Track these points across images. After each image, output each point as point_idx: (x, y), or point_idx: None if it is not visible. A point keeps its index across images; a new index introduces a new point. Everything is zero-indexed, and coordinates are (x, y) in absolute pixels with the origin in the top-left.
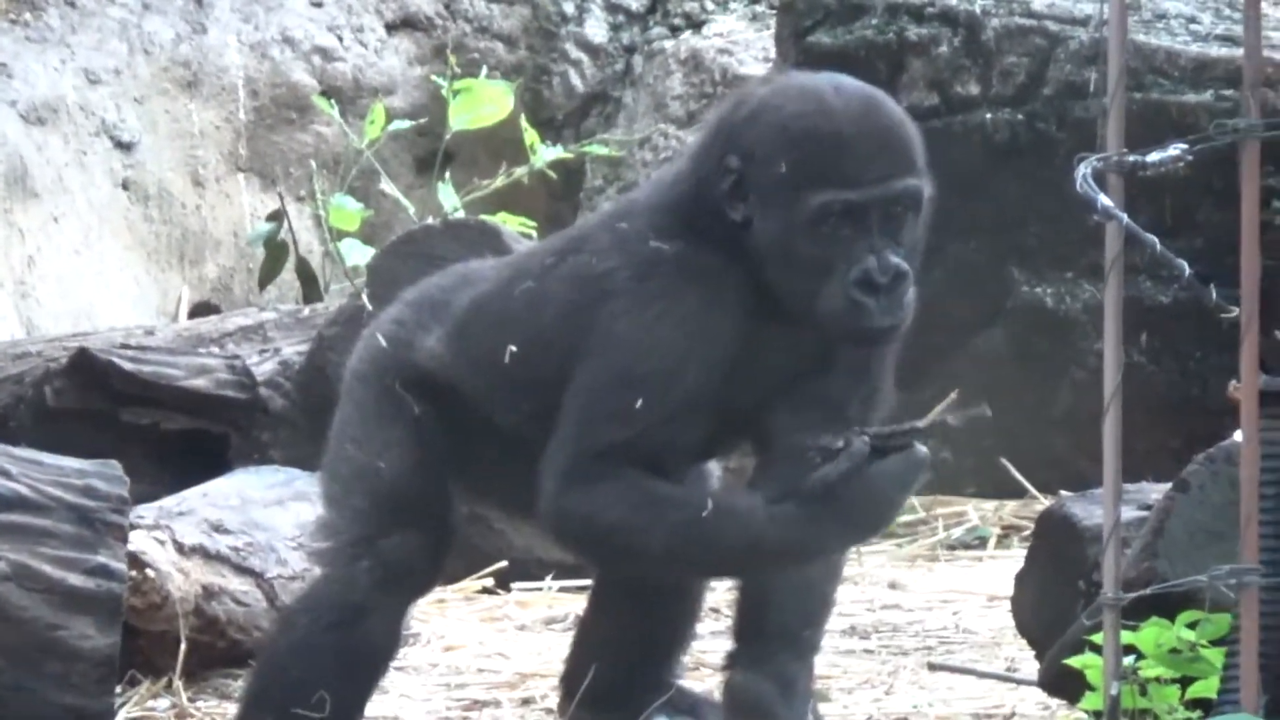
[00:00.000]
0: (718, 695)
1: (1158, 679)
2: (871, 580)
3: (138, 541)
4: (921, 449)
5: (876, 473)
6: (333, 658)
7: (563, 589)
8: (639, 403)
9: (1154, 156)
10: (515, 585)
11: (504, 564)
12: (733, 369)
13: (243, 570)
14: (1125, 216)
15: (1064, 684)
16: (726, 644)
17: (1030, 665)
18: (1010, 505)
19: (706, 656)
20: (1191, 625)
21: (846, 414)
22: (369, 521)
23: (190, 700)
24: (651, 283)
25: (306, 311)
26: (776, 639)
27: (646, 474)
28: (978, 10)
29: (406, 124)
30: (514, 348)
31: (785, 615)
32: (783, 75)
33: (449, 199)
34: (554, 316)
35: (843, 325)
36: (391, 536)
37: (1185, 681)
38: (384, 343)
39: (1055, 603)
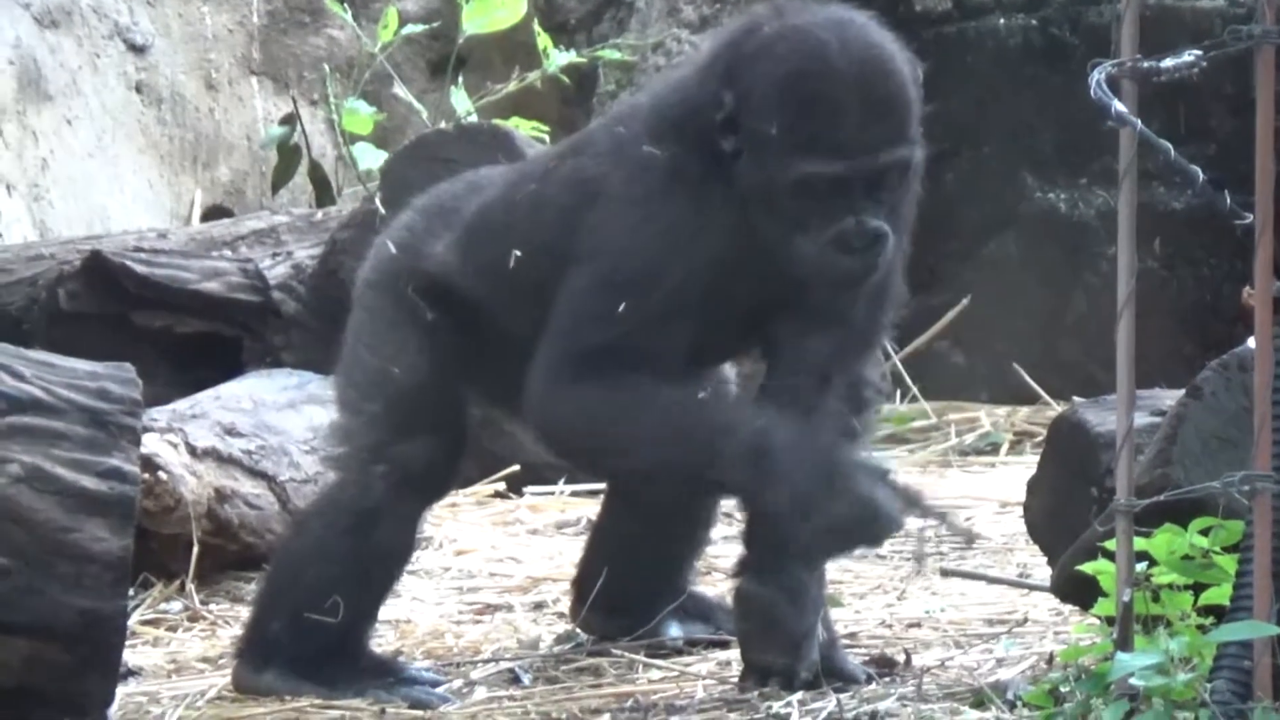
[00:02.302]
0: (730, 601)
1: (1170, 585)
2: None
3: (150, 444)
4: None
5: (869, 497)
6: (347, 562)
7: (575, 493)
8: (622, 305)
9: (1168, 62)
10: (527, 489)
11: (516, 468)
12: (726, 271)
13: (255, 473)
14: (1139, 122)
15: (1076, 590)
16: (738, 549)
17: (1042, 571)
18: (1023, 411)
19: (719, 561)
20: (1204, 532)
21: (850, 320)
22: (384, 426)
23: (202, 603)
24: (638, 186)
25: (319, 215)
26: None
27: (632, 373)
28: None
29: (419, 28)
30: (518, 252)
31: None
32: (797, 8)
33: (462, 103)
34: (552, 220)
35: (812, 275)
36: (406, 441)
37: (1198, 588)
38: (394, 249)
39: (1068, 509)
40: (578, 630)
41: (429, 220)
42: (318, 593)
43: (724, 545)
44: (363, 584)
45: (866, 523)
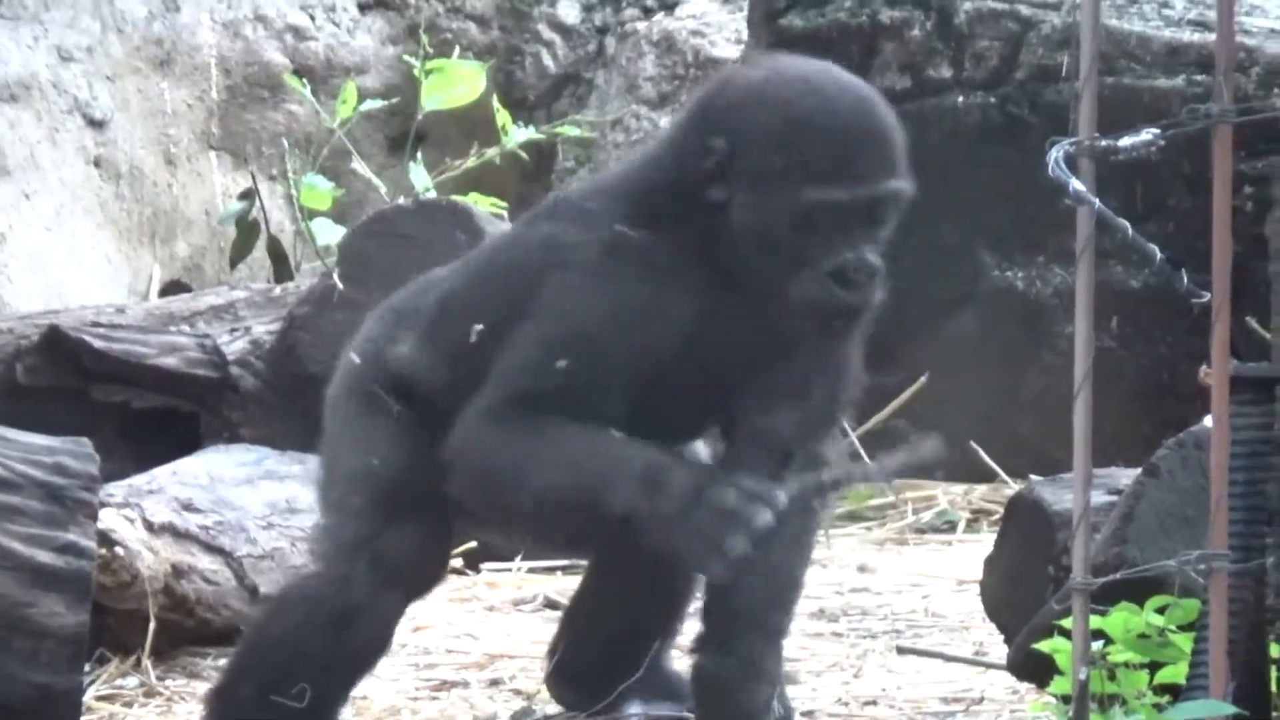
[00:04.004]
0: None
1: (1126, 664)
2: (840, 563)
3: (107, 519)
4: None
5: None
6: (321, 653)
7: (531, 570)
8: (561, 362)
9: (1126, 141)
10: (484, 566)
11: (473, 544)
12: (684, 349)
13: (212, 549)
14: (1097, 201)
15: (1033, 668)
16: (696, 625)
17: (999, 649)
18: (980, 489)
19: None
20: (1160, 610)
21: (811, 399)
22: (366, 519)
23: (159, 678)
24: (606, 262)
25: (278, 290)
26: (744, 622)
27: (552, 418)
28: None
29: (379, 103)
30: (479, 326)
31: (753, 598)
32: (773, 60)
33: (421, 179)
34: (515, 283)
35: (809, 308)
36: (389, 532)
37: (1154, 666)
38: (358, 359)
39: (1024, 587)
40: (534, 707)
41: (389, 326)
42: (287, 678)
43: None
44: (335, 675)
45: (747, 502)
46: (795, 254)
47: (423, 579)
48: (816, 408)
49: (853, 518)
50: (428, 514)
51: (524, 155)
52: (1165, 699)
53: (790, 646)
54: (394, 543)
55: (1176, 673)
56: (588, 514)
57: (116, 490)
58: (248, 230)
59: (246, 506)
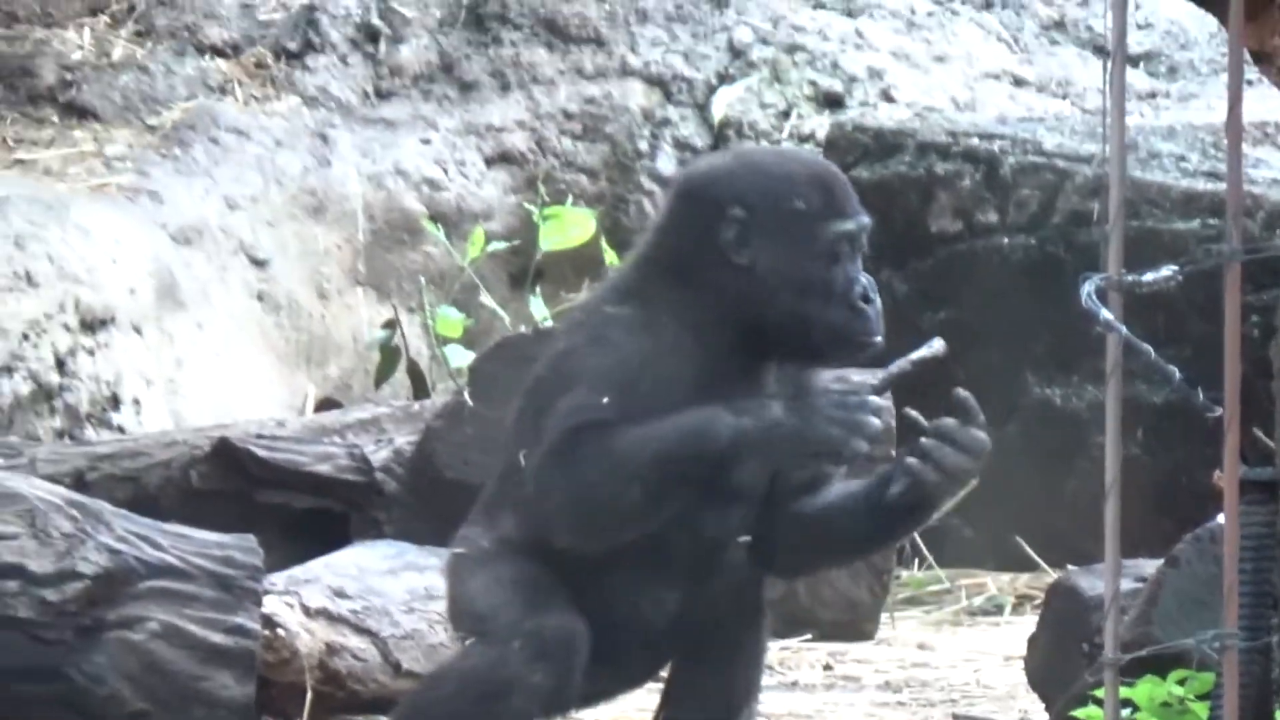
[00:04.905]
0: None
1: None
2: (903, 642)
3: (270, 605)
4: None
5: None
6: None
7: None
8: (604, 399)
9: (1149, 276)
10: None
11: None
12: (697, 397)
13: (361, 630)
14: (1124, 328)
15: None
16: (787, 698)
17: (1041, 716)
18: (1024, 577)
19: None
20: (1181, 682)
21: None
22: (518, 606)
23: None
24: (631, 326)
25: (416, 407)
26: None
27: (618, 430)
28: (996, 149)
29: (503, 245)
30: (524, 451)
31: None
32: (727, 151)
33: (539, 310)
34: (544, 393)
35: (845, 334)
36: (543, 615)
37: None
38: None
39: (1063, 662)
40: None
41: (477, 526)
42: None
43: (774, 693)
44: None
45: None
46: (824, 286)
47: (573, 659)
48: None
49: (913, 602)
50: (571, 612)
51: None
52: None
53: (859, 715)
54: (545, 624)
55: None
56: (699, 465)
57: (278, 580)
58: (390, 355)
59: (390, 593)
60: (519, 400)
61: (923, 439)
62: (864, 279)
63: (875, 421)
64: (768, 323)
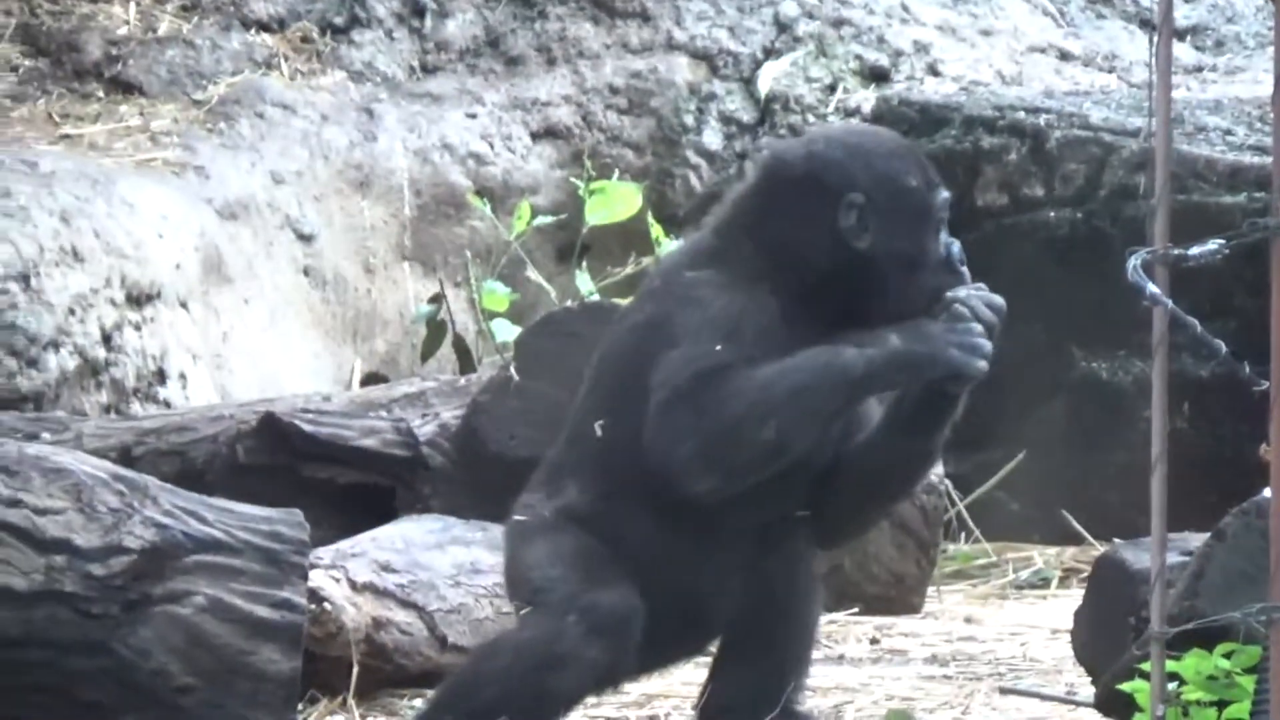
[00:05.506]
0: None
1: (1198, 702)
2: (950, 615)
3: (316, 579)
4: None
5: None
6: (525, 695)
7: None
8: (717, 345)
9: (1195, 250)
10: None
11: None
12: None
13: (407, 604)
14: (1170, 302)
15: (1117, 706)
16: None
17: (1088, 689)
18: (1070, 551)
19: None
20: (1227, 655)
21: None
22: (574, 581)
23: (361, 716)
24: (697, 291)
25: (462, 381)
26: None
27: (738, 371)
28: (1042, 123)
29: (548, 219)
30: (599, 422)
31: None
32: (810, 134)
33: (585, 284)
34: (642, 351)
35: (935, 295)
36: (600, 591)
37: (1221, 704)
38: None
39: (1109, 635)
40: None
41: (541, 492)
42: (491, 710)
43: (821, 666)
44: (534, 715)
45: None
46: (932, 257)
47: (629, 634)
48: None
49: (960, 576)
50: (627, 589)
51: None
52: None
53: (906, 688)
54: (600, 599)
55: (1241, 710)
56: (834, 397)
57: (324, 554)
58: (436, 329)
59: (436, 567)
60: (591, 372)
61: (950, 293)
62: (955, 243)
63: (989, 344)
64: (871, 293)
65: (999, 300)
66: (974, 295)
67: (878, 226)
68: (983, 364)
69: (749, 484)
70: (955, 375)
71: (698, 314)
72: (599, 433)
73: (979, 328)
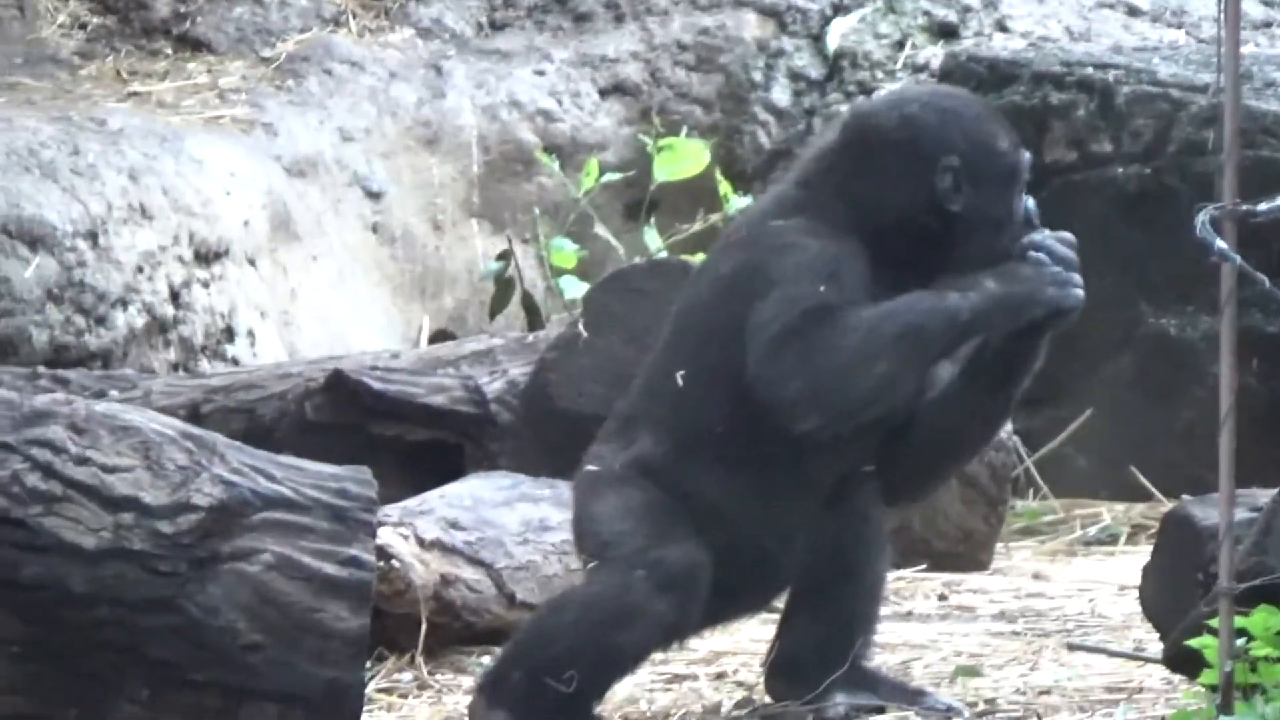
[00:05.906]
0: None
1: (1266, 658)
2: (1018, 572)
3: (384, 536)
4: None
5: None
6: (593, 649)
7: None
8: (821, 287)
9: (1264, 206)
10: None
11: None
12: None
13: (475, 561)
14: (1238, 258)
15: (1185, 662)
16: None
17: (1155, 646)
18: (1138, 507)
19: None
20: None
21: None
22: (643, 535)
23: (430, 673)
24: (787, 238)
25: (530, 338)
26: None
27: (845, 311)
28: (1111, 79)
29: (617, 176)
30: (680, 372)
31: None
32: (899, 92)
33: (653, 241)
34: (737, 296)
35: (1010, 249)
36: (668, 546)
37: None
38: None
39: (1177, 592)
40: (753, 697)
41: (612, 443)
42: (559, 663)
43: (889, 623)
44: (602, 669)
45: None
46: (1014, 216)
47: (698, 589)
48: None
49: (1028, 532)
50: (695, 544)
51: None
52: None
53: (974, 644)
54: (671, 555)
55: None
56: (940, 340)
57: (392, 511)
58: (505, 286)
59: (504, 525)
60: (670, 324)
61: (1024, 239)
62: (1030, 200)
63: (1080, 278)
64: (955, 250)
65: (1071, 237)
66: (1048, 238)
67: (971, 189)
68: (1080, 294)
69: (852, 427)
70: (1055, 311)
71: (794, 258)
72: (680, 383)
73: (1073, 262)
